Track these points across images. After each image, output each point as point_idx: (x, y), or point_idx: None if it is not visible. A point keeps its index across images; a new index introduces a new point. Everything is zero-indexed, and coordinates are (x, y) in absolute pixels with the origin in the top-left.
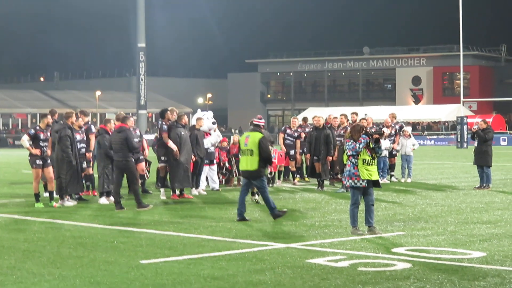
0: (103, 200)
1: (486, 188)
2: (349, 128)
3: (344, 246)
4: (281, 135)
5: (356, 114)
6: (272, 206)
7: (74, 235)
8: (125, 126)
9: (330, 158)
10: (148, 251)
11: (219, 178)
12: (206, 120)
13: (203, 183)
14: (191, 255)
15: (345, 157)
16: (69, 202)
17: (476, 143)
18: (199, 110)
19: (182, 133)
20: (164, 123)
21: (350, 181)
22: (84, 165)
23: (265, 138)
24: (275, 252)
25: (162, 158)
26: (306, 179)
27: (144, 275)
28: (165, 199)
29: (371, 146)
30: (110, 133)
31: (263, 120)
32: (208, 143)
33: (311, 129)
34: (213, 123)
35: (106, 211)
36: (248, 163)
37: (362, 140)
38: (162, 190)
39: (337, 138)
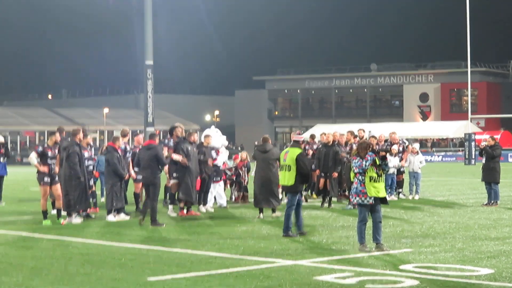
0: (111, 218)
1: (494, 205)
2: (355, 146)
3: (352, 263)
4: None
5: (363, 130)
6: (288, 226)
7: (81, 252)
8: (154, 143)
9: (336, 174)
10: (155, 268)
11: (234, 195)
12: (218, 136)
13: (210, 200)
14: (198, 272)
15: (352, 175)
16: (77, 219)
17: (484, 160)
18: (212, 127)
19: (189, 148)
20: (172, 140)
21: (357, 198)
22: (91, 182)
23: (303, 154)
24: (283, 269)
25: (174, 174)
26: (314, 196)
27: None
28: (174, 215)
29: (377, 163)
30: (119, 150)
31: (302, 136)
32: (220, 160)
33: (320, 146)
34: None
35: (113, 228)
36: (286, 178)
37: (369, 158)
38: (170, 206)
39: (344, 155)
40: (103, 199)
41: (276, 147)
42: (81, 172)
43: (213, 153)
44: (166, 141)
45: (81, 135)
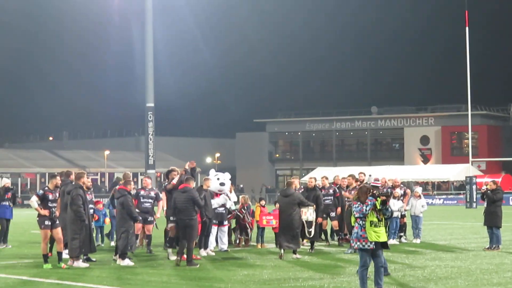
0: (127, 262)
1: (496, 249)
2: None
3: None
4: None
5: (364, 174)
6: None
7: None
8: (189, 186)
9: (320, 219)
10: None
11: (239, 239)
12: (215, 180)
13: (211, 244)
14: None
15: (353, 219)
16: (84, 263)
17: (485, 204)
18: (212, 170)
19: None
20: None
21: (358, 243)
22: (93, 225)
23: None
24: None
25: (171, 218)
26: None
27: None
28: (174, 259)
29: (378, 207)
30: (131, 192)
31: (380, 181)
32: (215, 203)
33: (302, 190)
34: (221, 184)
35: (114, 272)
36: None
37: (369, 202)
38: (169, 250)
39: (346, 200)
40: (113, 243)
41: (297, 191)
42: (86, 215)
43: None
44: (165, 186)
45: (85, 178)
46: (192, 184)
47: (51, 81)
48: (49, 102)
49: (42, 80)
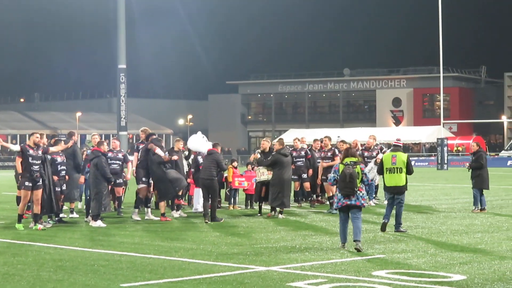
0: (98, 223)
1: (483, 211)
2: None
3: (325, 269)
4: None
5: (329, 138)
6: (400, 222)
7: (54, 258)
8: (216, 150)
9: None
10: (128, 274)
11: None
12: (204, 141)
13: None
14: (171, 278)
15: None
16: (101, 223)
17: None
18: (199, 132)
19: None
20: (139, 145)
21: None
22: (64, 187)
23: (408, 157)
24: (256, 275)
25: (143, 179)
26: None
27: None
28: (138, 219)
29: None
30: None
31: (401, 142)
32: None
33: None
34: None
35: (86, 234)
36: (397, 179)
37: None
38: (135, 210)
39: (318, 161)
40: (80, 206)
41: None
42: (45, 175)
43: (199, 158)
44: (135, 146)
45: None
46: (219, 149)
47: (22, 42)
48: (20, 63)
49: (12, 41)
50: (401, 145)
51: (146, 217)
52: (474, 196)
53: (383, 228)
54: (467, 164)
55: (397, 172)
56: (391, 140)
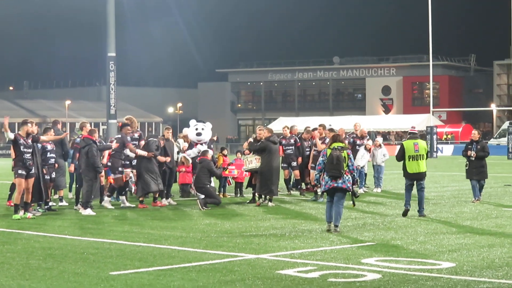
0: (88, 211)
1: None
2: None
3: (314, 257)
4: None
5: (323, 126)
6: (423, 206)
7: (43, 246)
8: (206, 158)
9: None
10: (117, 262)
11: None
12: (193, 130)
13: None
14: (161, 266)
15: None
16: (90, 211)
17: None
18: (193, 120)
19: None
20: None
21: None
22: (53, 175)
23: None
24: (245, 263)
25: (120, 169)
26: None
27: (114, 287)
28: (110, 208)
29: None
30: (98, 142)
31: (417, 129)
32: (192, 153)
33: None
34: (197, 134)
35: (76, 222)
36: (420, 166)
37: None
38: (106, 198)
39: (314, 149)
40: (70, 195)
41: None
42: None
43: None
44: (127, 137)
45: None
46: (209, 156)
47: (10, 30)
48: (9, 51)
49: (0, 29)
50: (417, 132)
51: (121, 205)
52: (473, 187)
53: (405, 214)
54: (472, 152)
55: (420, 159)
56: (381, 128)
